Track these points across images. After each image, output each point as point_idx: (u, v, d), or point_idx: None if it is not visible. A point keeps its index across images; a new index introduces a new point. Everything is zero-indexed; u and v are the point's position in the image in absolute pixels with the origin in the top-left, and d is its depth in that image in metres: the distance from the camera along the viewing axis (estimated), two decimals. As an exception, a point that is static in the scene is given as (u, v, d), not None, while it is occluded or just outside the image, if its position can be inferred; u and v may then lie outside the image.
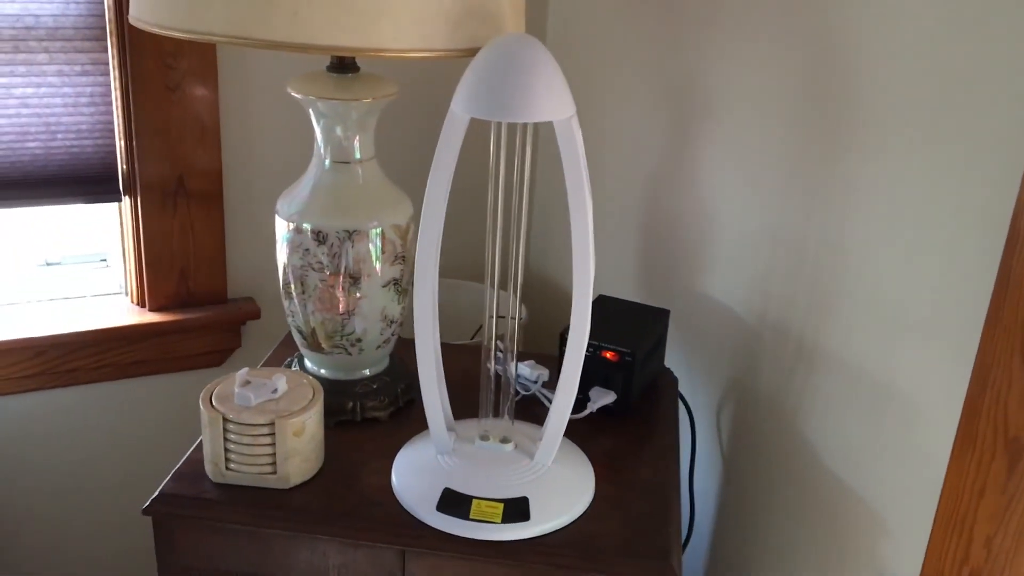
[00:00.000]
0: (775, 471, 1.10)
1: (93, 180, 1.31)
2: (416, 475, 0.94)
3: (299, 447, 0.91)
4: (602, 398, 1.07)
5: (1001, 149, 0.78)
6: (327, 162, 0.99)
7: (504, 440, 0.95)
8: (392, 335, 1.07)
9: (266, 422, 0.89)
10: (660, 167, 1.27)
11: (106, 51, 1.26)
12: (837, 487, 1.00)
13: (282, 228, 1.00)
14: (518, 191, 0.87)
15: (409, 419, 1.06)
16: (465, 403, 1.00)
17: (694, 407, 1.23)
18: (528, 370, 1.12)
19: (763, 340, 1.11)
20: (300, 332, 1.05)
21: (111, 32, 1.25)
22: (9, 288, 1.38)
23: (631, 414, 1.09)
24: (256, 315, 1.42)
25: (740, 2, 1.09)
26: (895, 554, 0.93)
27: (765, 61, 1.06)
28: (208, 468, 0.93)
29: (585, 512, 0.92)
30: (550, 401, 0.93)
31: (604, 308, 1.16)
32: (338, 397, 1.04)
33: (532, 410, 1.08)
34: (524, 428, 0.99)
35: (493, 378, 0.95)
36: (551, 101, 0.79)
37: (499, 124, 0.84)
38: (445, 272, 1.01)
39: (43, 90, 1.24)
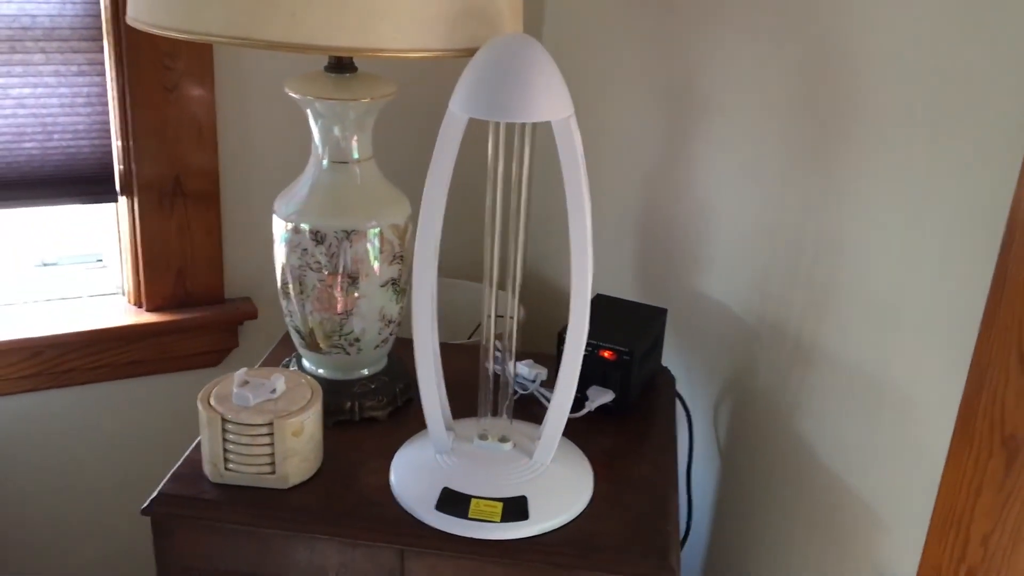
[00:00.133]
0: (773, 469, 1.10)
1: (90, 180, 1.31)
2: (415, 474, 0.94)
3: (298, 447, 0.91)
4: (600, 397, 1.07)
5: (998, 148, 0.78)
6: (325, 162, 0.99)
7: (503, 439, 0.95)
8: (390, 335, 1.07)
9: (265, 422, 0.89)
10: (658, 166, 1.27)
11: (102, 51, 1.26)
12: (834, 485, 1.00)
13: (280, 228, 1.00)
14: (516, 191, 0.88)
15: (407, 419, 1.06)
16: (463, 403, 1.00)
17: (692, 406, 1.23)
18: (526, 369, 1.12)
19: (760, 339, 1.11)
20: (298, 332, 1.05)
21: (107, 32, 1.25)
22: (6, 289, 1.37)
23: (629, 413, 1.09)
24: (253, 315, 1.42)
25: (738, 1, 1.09)
26: (892, 552, 0.93)
27: (763, 60, 1.06)
28: (207, 468, 0.93)
29: (584, 511, 0.92)
30: (548, 400, 0.93)
31: (602, 307, 1.16)
32: (336, 397, 1.04)
33: (530, 409, 1.08)
34: (522, 427, 0.99)
35: (491, 377, 0.95)
36: (549, 101, 0.79)
37: (497, 124, 0.85)
38: (443, 272, 1.01)
39: (39, 90, 1.24)
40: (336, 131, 0.98)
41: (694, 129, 1.18)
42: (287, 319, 1.06)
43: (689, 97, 1.19)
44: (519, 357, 1.10)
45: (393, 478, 0.94)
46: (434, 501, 0.89)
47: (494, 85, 0.78)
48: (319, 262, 0.99)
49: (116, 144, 1.30)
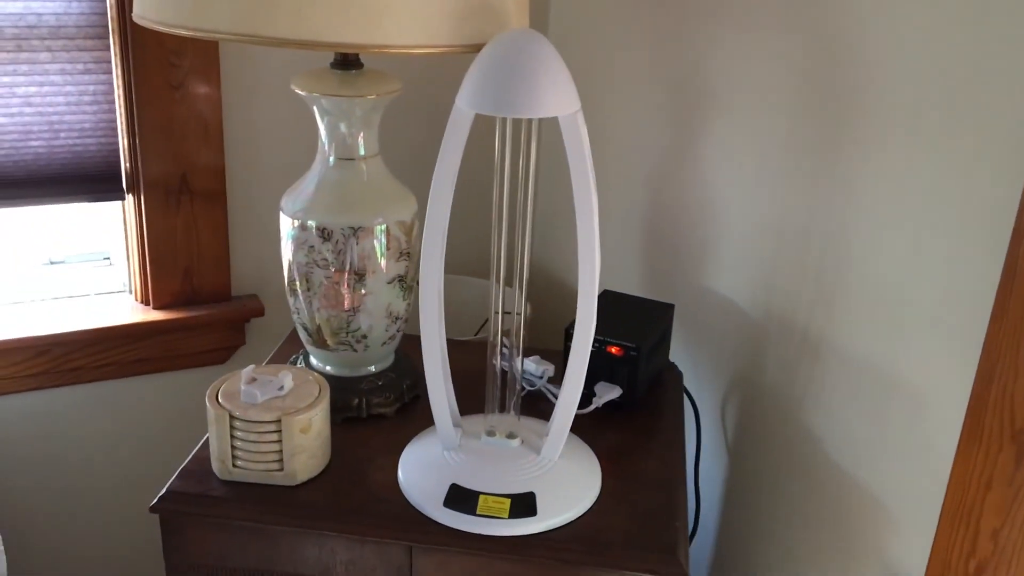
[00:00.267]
0: (780, 465, 1.10)
1: (96, 179, 1.31)
2: (423, 471, 0.94)
3: (306, 444, 0.91)
4: (608, 393, 1.07)
5: (1007, 141, 0.78)
6: (331, 159, 0.99)
7: (510, 436, 0.95)
8: (397, 331, 1.07)
9: (273, 419, 0.89)
10: (664, 161, 1.27)
11: (108, 49, 1.26)
12: (843, 480, 1.00)
13: (287, 225, 1.00)
14: (523, 187, 0.87)
15: (415, 415, 1.06)
16: (471, 399, 1.00)
17: (699, 401, 1.23)
18: (534, 365, 1.12)
19: (768, 334, 1.11)
20: (305, 329, 1.05)
21: (113, 30, 1.25)
22: (13, 287, 1.38)
23: (637, 409, 1.09)
24: (260, 312, 1.42)
25: (743, -4, 1.09)
26: (902, 547, 0.93)
27: (769, 55, 1.05)
28: (215, 465, 0.93)
29: (592, 507, 0.92)
30: (556, 396, 0.93)
31: (609, 303, 1.16)
32: (344, 394, 1.04)
33: (538, 405, 1.08)
34: (530, 423, 0.99)
35: (499, 374, 0.95)
36: (556, 97, 0.79)
37: (504, 120, 0.84)
38: (450, 268, 1.01)
39: (46, 89, 1.24)
40: (342, 128, 0.98)
41: (701, 124, 1.18)
42: (294, 316, 1.06)
43: (695, 92, 1.18)
44: (526, 353, 1.10)
45: (401, 475, 0.94)
46: (442, 497, 0.89)
47: (501, 81, 0.78)
48: (326, 259, 0.99)
49: (122, 142, 1.30)
